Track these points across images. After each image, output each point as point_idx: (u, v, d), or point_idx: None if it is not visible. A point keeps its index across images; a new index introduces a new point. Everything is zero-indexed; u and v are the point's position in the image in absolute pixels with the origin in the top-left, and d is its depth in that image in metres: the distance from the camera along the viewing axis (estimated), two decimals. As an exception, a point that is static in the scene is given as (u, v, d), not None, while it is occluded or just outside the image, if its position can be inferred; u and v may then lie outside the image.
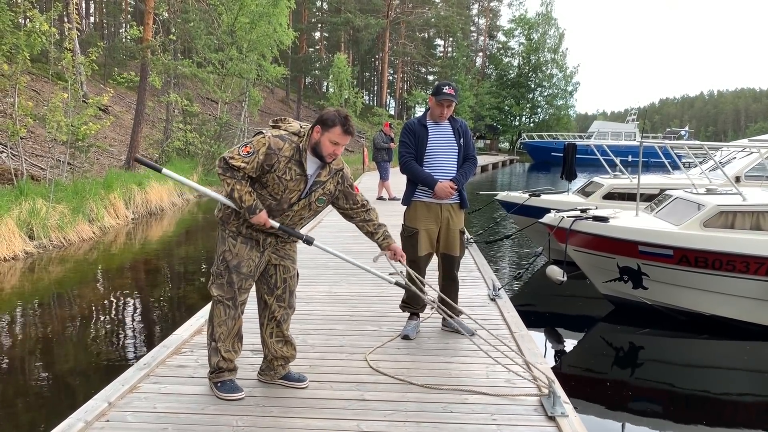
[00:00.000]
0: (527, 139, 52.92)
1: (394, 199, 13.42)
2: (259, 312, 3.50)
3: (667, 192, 7.79)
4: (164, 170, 3.26)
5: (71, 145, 12.12)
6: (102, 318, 6.69)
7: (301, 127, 3.26)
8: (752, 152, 9.69)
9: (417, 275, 3.77)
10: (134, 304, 7.35)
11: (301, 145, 3.17)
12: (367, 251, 7.74)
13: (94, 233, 10.79)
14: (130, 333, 6.22)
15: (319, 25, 56.13)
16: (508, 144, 67.04)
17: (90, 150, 13.33)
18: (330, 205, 3.58)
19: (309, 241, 3.29)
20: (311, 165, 3.22)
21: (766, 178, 9.06)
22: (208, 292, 3.35)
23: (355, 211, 3.49)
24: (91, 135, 12.36)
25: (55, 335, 5.97)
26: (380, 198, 13.87)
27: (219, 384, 3.36)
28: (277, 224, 3.21)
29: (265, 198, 3.21)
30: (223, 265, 3.28)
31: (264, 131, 3.19)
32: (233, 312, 3.32)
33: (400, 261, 3.56)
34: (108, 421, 3.06)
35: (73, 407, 3.19)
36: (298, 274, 3.53)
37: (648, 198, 8.65)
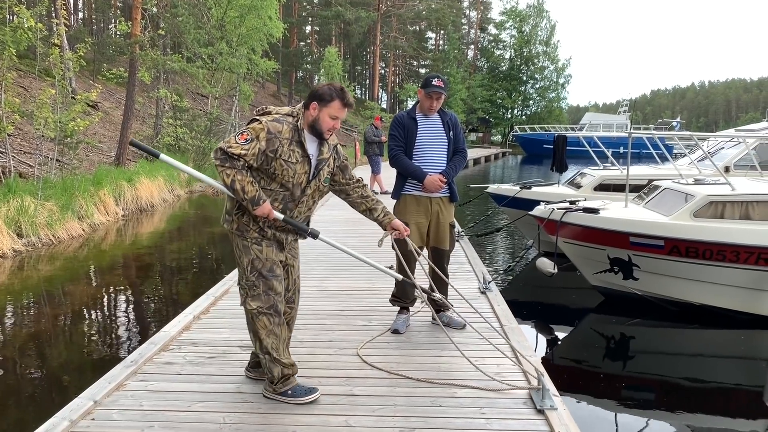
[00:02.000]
0: (519, 132, 52.94)
1: (385, 192, 13.39)
2: None
3: (655, 183, 7.80)
4: (162, 156, 3.13)
5: (59, 141, 12.03)
6: (91, 316, 6.65)
7: (292, 108, 3.18)
8: (740, 142, 9.72)
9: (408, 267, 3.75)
10: (124, 301, 7.30)
11: (299, 124, 3.08)
12: (362, 246, 7.72)
13: (83, 230, 10.73)
14: (119, 330, 6.18)
15: (310, 19, 55.86)
16: (500, 137, 67.06)
17: (79, 146, 13.24)
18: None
19: (314, 235, 3.19)
20: (311, 144, 3.14)
21: (750, 167, 9.09)
22: (244, 305, 3.17)
23: (351, 186, 3.43)
24: (79, 131, 12.27)
25: (43, 333, 5.93)
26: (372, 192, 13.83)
27: (290, 392, 3.21)
28: (281, 216, 3.11)
29: (278, 192, 3.11)
30: (254, 274, 3.12)
31: (258, 118, 3.09)
32: (278, 319, 3.17)
33: (407, 238, 3.52)
34: (93, 419, 3.03)
35: (61, 406, 3.15)
36: None
37: (639, 189, 8.65)
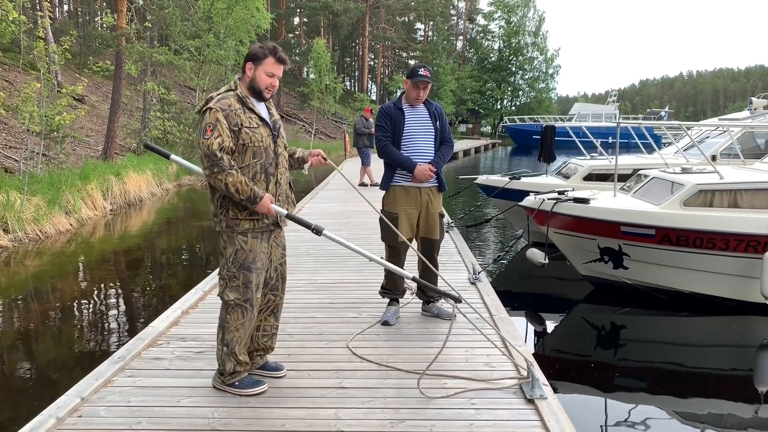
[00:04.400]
0: (509, 123, 52.97)
1: (376, 185, 13.34)
2: None
3: (641, 172, 7.83)
4: (172, 156, 3.24)
5: (45, 135, 11.89)
6: (79, 311, 6.59)
7: (229, 84, 3.22)
8: (724, 131, 9.79)
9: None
10: (112, 296, 7.24)
11: (238, 93, 3.13)
12: (352, 238, 7.71)
13: (71, 225, 10.63)
14: (108, 326, 6.13)
15: (298, 10, 55.54)
16: (490, 128, 67.07)
17: (65, 141, 13.10)
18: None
19: (318, 231, 3.14)
20: (260, 108, 3.20)
21: (733, 156, 9.15)
22: (221, 297, 3.18)
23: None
24: (65, 125, 12.13)
25: (31, 330, 5.87)
26: (362, 184, 13.77)
27: (237, 383, 3.24)
28: (284, 211, 3.12)
29: (254, 165, 3.09)
30: (235, 266, 3.13)
31: (206, 108, 3.06)
32: (250, 313, 3.19)
33: (323, 160, 3.41)
34: (80, 416, 2.99)
35: (49, 403, 3.11)
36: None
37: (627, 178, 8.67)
